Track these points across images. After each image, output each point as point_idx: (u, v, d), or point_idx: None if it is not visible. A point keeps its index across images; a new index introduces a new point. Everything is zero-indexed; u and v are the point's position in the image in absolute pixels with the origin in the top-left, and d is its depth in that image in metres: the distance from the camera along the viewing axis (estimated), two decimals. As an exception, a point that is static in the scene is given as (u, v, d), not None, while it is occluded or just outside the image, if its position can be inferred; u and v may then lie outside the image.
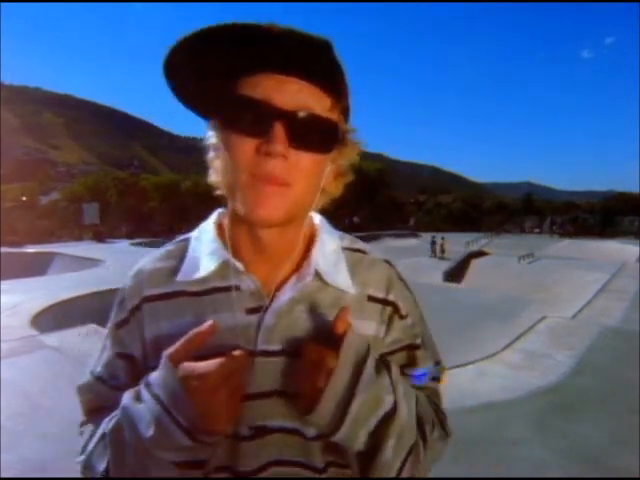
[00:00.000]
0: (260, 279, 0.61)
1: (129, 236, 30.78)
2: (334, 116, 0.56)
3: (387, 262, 0.71)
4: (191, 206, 39.97)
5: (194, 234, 0.68)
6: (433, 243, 20.95)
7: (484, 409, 3.99)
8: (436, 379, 0.72)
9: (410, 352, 0.69)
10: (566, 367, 5.05)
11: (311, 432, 0.59)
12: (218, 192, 0.62)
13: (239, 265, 0.60)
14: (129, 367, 0.64)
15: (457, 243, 21.98)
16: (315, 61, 0.49)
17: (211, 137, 0.60)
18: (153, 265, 0.66)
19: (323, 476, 0.60)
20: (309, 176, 0.55)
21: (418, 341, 0.70)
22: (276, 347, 0.59)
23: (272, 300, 0.61)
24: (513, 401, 4.16)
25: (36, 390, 4.06)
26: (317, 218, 0.70)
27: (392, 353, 0.67)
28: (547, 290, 11.00)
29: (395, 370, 0.59)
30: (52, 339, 5.51)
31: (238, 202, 0.55)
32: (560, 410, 4.00)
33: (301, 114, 0.52)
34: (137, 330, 0.63)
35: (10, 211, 35.43)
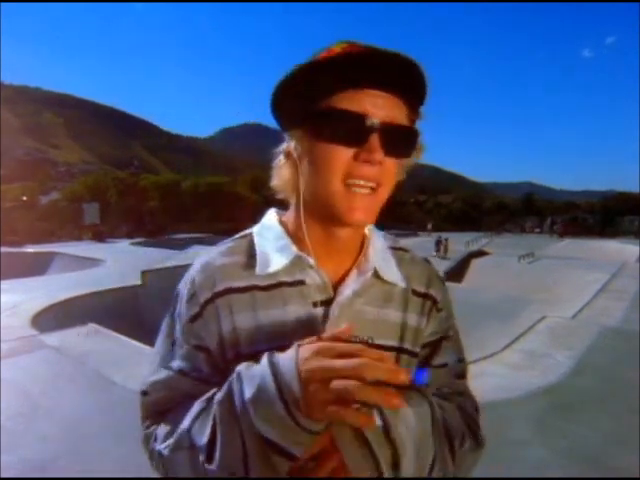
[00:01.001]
0: (326, 274, 0.66)
1: (129, 236, 30.76)
2: (411, 123, 0.63)
3: (426, 260, 0.80)
4: (191, 206, 39.97)
5: (255, 231, 0.72)
6: (438, 243, 20.92)
7: (484, 409, 3.97)
8: (461, 376, 0.77)
9: (441, 343, 0.75)
10: (566, 367, 5.05)
11: None
12: (280, 196, 0.70)
13: (311, 260, 0.66)
14: (208, 359, 0.66)
15: (457, 243, 21.98)
16: (404, 78, 0.57)
17: (287, 146, 0.66)
18: (221, 260, 0.68)
19: None
20: (393, 180, 0.63)
21: (450, 333, 0.77)
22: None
23: (336, 294, 0.66)
24: (513, 401, 4.16)
25: (36, 390, 4.05)
26: None
27: (429, 344, 0.74)
28: (547, 290, 11.00)
29: None
30: (52, 339, 5.50)
31: (330, 205, 0.61)
32: (560, 410, 4.00)
33: (392, 125, 0.59)
34: (213, 323, 0.65)
35: (10, 211, 35.41)
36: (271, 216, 0.74)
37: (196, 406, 0.60)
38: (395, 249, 0.76)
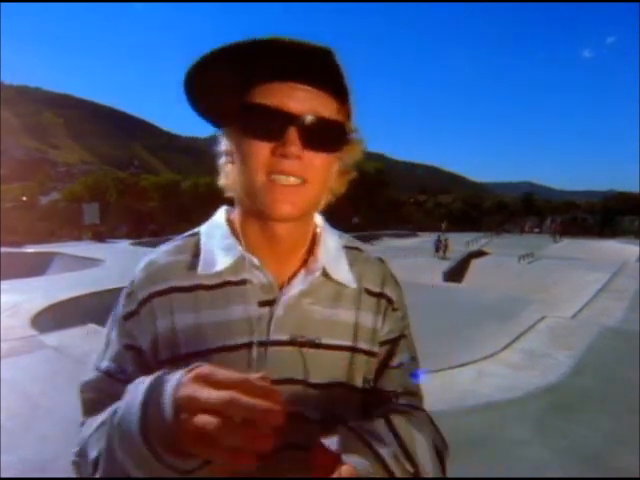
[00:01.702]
0: (271, 273, 0.65)
1: (129, 236, 30.75)
2: (340, 117, 0.61)
3: (380, 260, 0.78)
4: (191, 206, 39.97)
5: (203, 230, 0.71)
6: (438, 242, 20.89)
7: (484, 409, 3.98)
8: (415, 377, 0.75)
9: (398, 342, 0.75)
10: (566, 367, 5.05)
11: (315, 415, 0.64)
12: (229, 194, 0.68)
13: (255, 260, 0.65)
14: (138, 359, 0.63)
15: (457, 243, 21.97)
16: (320, 68, 0.55)
17: (224, 144, 0.65)
18: (165, 259, 0.67)
19: None
20: (321, 174, 0.60)
21: (406, 332, 0.77)
22: (285, 337, 0.64)
23: (282, 293, 0.65)
24: (513, 401, 4.16)
25: (36, 390, 4.05)
26: (318, 217, 0.75)
27: (385, 343, 0.73)
28: (547, 290, 10.99)
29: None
30: (52, 339, 5.50)
31: (257, 200, 0.60)
32: (560, 410, 4.00)
33: (311, 118, 0.57)
34: (147, 323, 0.63)
35: (10, 211, 35.42)
36: (220, 214, 0.73)
37: (102, 415, 0.56)
38: (350, 248, 0.75)
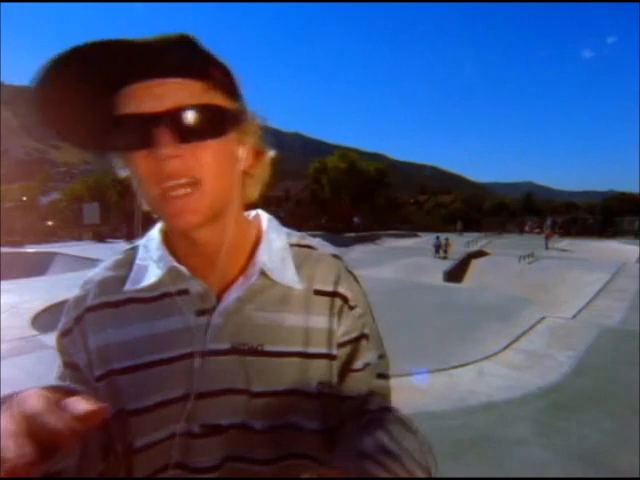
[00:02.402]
0: (208, 282, 0.62)
1: (129, 236, 30.75)
2: (214, 100, 0.55)
3: (335, 256, 0.73)
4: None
5: (142, 242, 0.69)
6: (438, 243, 20.86)
7: (484, 409, 3.98)
8: (383, 374, 0.71)
9: (358, 342, 0.69)
10: (566, 367, 5.05)
11: (259, 425, 0.61)
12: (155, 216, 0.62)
13: (184, 270, 0.62)
14: (76, 377, 0.63)
15: (457, 243, 21.96)
16: (175, 57, 0.50)
17: (120, 169, 0.59)
18: (102, 275, 0.66)
19: (270, 468, 0.61)
20: (214, 164, 0.54)
21: (367, 330, 0.71)
22: (225, 346, 0.61)
23: (220, 301, 0.62)
24: (513, 401, 4.16)
25: (36, 390, 4.05)
26: (265, 218, 0.72)
27: (344, 344, 0.68)
28: (547, 290, 10.99)
29: None
30: (52, 339, 5.45)
31: (159, 216, 0.57)
32: (560, 410, 4.00)
33: (177, 111, 0.52)
34: (80, 340, 0.63)
35: (10, 211, 35.43)
36: (158, 224, 0.69)
37: None
38: (301, 246, 0.71)
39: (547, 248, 21.38)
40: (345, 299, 0.69)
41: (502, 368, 5.09)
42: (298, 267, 0.67)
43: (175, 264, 0.62)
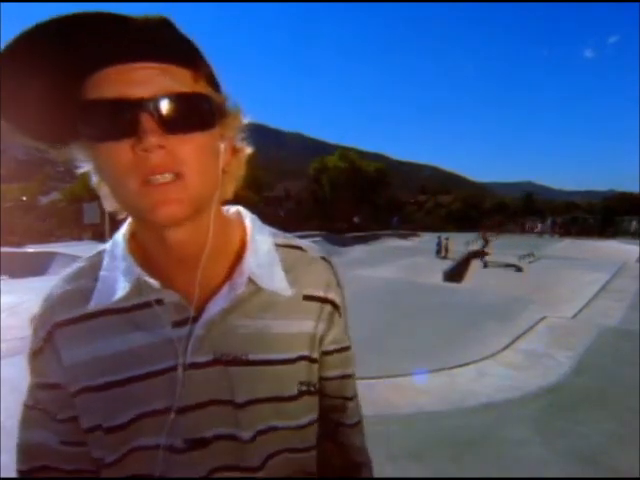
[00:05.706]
0: (183, 289, 0.58)
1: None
2: (201, 89, 0.51)
3: (325, 259, 0.70)
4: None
5: (108, 247, 0.63)
6: (439, 243, 20.82)
7: (484, 409, 3.98)
8: (352, 386, 0.74)
9: (345, 353, 0.71)
10: (566, 367, 5.05)
11: (246, 435, 0.60)
12: (121, 217, 0.59)
13: (153, 282, 0.56)
14: (52, 396, 0.61)
15: (457, 243, 21.95)
16: (156, 40, 0.46)
17: (84, 162, 0.55)
18: (63, 288, 0.62)
19: (259, 475, 0.61)
20: (199, 159, 0.50)
21: (348, 342, 0.72)
22: (208, 357, 0.58)
23: (203, 311, 0.58)
24: (513, 401, 4.16)
25: (36, 390, 4.05)
26: (248, 218, 0.68)
27: (332, 353, 0.68)
28: (547, 290, 10.97)
29: None
30: (52, 339, 5.48)
31: (136, 210, 0.51)
32: (560, 410, 3.99)
33: (164, 97, 0.47)
34: (54, 358, 0.59)
35: (10, 211, 35.41)
36: (123, 228, 0.63)
37: None
38: (290, 248, 0.67)
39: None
40: (335, 306, 0.68)
41: (502, 368, 5.09)
42: (287, 270, 0.64)
43: (144, 277, 0.57)
